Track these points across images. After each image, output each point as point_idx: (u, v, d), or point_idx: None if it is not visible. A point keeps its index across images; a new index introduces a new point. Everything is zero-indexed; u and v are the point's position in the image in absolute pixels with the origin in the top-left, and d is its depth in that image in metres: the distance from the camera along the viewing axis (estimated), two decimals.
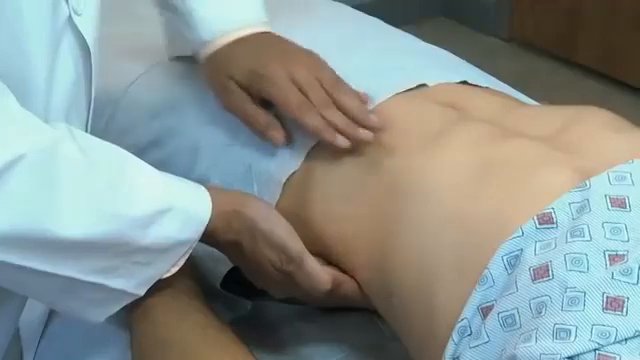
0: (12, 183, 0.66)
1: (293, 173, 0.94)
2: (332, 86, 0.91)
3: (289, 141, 0.94)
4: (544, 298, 0.65)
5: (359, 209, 0.87)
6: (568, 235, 0.69)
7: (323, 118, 0.89)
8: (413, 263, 0.79)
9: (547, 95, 1.64)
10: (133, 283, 0.78)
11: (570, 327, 0.61)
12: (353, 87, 0.94)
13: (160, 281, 0.80)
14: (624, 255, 0.65)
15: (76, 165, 0.71)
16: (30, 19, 0.71)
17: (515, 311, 0.67)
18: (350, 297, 0.89)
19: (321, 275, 0.84)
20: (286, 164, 0.94)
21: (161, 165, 0.95)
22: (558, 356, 0.60)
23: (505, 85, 1.15)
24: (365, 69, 0.98)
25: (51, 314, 0.95)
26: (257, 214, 0.83)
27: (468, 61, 1.16)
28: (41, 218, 0.68)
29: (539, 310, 0.65)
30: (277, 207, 0.93)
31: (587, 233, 0.68)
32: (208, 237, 0.82)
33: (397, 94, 0.96)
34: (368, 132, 0.87)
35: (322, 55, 0.96)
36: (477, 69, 1.13)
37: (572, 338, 0.61)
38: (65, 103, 0.77)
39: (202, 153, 1.02)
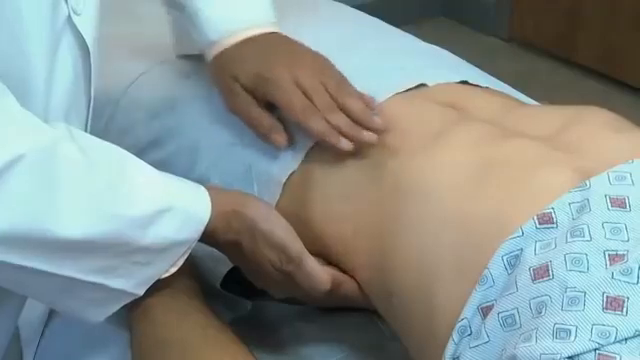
0: (12, 183, 0.66)
1: (293, 173, 0.94)
2: (337, 89, 0.91)
3: (291, 144, 0.94)
4: (544, 298, 0.65)
5: (359, 209, 0.87)
6: (568, 235, 0.69)
7: (327, 122, 0.89)
8: (413, 263, 0.79)
9: (547, 95, 1.64)
10: (133, 283, 0.78)
11: (570, 327, 0.61)
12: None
13: (160, 281, 0.80)
14: (624, 255, 0.65)
15: (76, 165, 0.71)
16: (30, 19, 0.71)
17: (515, 311, 0.67)
18: (350, 297, 0.89)
19: (321, 275, 0.84)
20: (286, 164, 0.94)
21: (161, 165, 0.95)
22: (558, 356, 0.60)
23: (505, 85, 1.15)
24: (365, 69, 0.98)
25: (51, 314, 0.95)
26: (257, 214, 0.83)
27: (468, 61, 1.16)
28: (41, 218, 0.68)
29: (539, 310, 0.65)
30: (277, 207, 0.93)
31: (587, 233, 0.68)
32: (208, 237, 0.82)
33: (397, 94, 0.96)
34: (372, 134, 0.87)
35: None
36: (477, 69, 1.13)
37: (572, 338, 0.61)
38: (64, 103, 0.77)
39: (202, 153, 1.02)
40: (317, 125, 0.89)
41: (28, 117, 0.70)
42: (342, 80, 0.94)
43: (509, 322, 0.67)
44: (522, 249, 0.70)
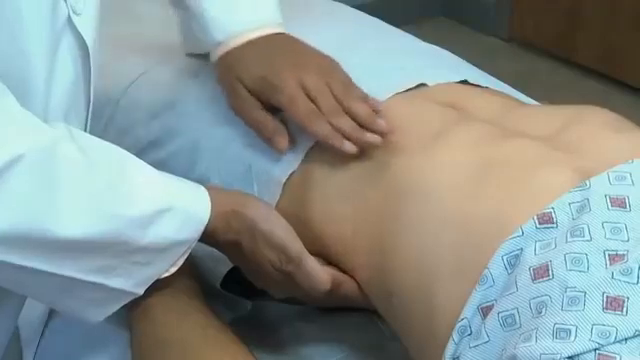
0: (12, 183, 0.66)
1: (292, 173, 0.94)
2: (342, 92, 0.91)
3: (291, 144, 0.94)
4: (544, 298, 0.65)
5: (359, 209, 0.87)
6: (568, 235, 0.69)
7: (332, 125, 0.89)
8: (413, 263, 0.79)
9: (547, 95, 1.64)
10: (132, 282, 0.78)
11: (570, 327, 0.61)
12: None
13: (160, 281, 0.80)
14: (624, 255, 0.65)
15: (75, 165, 0.71)
16: (29, 19, 0.71)
17: (515, 311, 0.67)
18: (350, 297, 0.89)
19: (321, 275, 0.84)
20: (286, 164, 0.94)
21: (161, 165, 0.95)
22: (558, 356, 0.60)
23: (505, 85, 1.15)
24: (365, 69, 0.98)
25: (51, 314, 0.95)
26: (257, 214, 0.83)
27: (468, 61, 1.16)
28: (41, 218, 0.68)
29: (539, 310, 0.65)
30: (277, 207, 0.93)
31: (587, 233, 0.68)
32: (208, 237, 0.82)
33: (397, 94, 0.96)
34: (376, 136, 0.87)
35: None
36: (477, 69, 1.13)
37: (572, 338, 0.61)
38: (64, 103, 0.77)
39: (202, 153, 1.02)
40: (322, 129, 0.89)
41: (28, 117, 0.70)
42: (348, 82, 0.93)
43: (509, 322, 0.67)
44: (522, 249, 0.70)
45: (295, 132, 0.94)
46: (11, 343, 0.89)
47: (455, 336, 0.71)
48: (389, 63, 1.06)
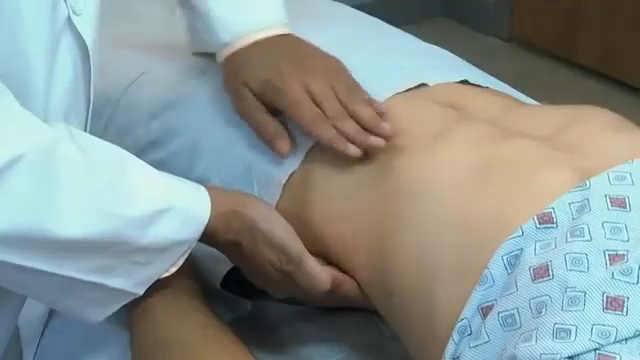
0: (12, 183, 0.66)
1: (293, 173, 0.94)
2: (347, 95, 0.91)
3: (293, 147, 0.94)
4: (544, 298, 0.65)
5: (359, 209, 0.87)
6: (568, 235, 0.69)
7: (336, 129, 0.89)
8: (413, 263, 0.79)
9: (547, 95, 1.64)
10: (132, 282, 0.78)
11: (570, 327, 0.61)
12: None
13: (160, 281, 0.80)
14: (624, 255, 0.65)
15: (75, 165, 0.71)
16: (29, 19, 0.71)
17: (515, 311, 0.67)
18: (350, 297, 0.89)
19: (321, 275, 0.84)
20: (286, 164, 0.94)
21: (161, 165, 0.95)
22: (558, 356, 0.60)
23: (505, 85, 1.15)
24: (365, 69, 0.98)
25: (51, 313, 0.95)
26: (257, 214, 0.83)
27: (468, 61, 1.16)
28: (41, 218, 0.68)
29: (539, 310, 0.65)
30: (277, 207, 0.93)
31: (587, 233, 0.68)
32: (208, 237, 0.82)
33: (397, 94, 0.96)
34: (380, 139, 0.87)
35: None
36: (477, 69, 1.13)
37: (572, 338, 0.61)
38: (64, 103, 0.77)
39: (202, 153, 1.02)
40: (326, 133, 0.89)
41: (28, 117, 0.70)
42: (353, 85, 0.93)
43: (509, 322, 0.67)
44: (522, 249, 0.70)
45: (295, 132, 0.94)
46: (11, 343, 0.89)
47: (455, 336, 0.71)
48: (389, 63, 1.06)
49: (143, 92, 1.10)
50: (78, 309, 0.78)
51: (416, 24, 2.54)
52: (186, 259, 0.81)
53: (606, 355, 0.59)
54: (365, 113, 0.89)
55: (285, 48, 0.96)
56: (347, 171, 0.90)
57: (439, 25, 3.01)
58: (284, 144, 0.93)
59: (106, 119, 1.10)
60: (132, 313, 0.83)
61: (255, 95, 0.94)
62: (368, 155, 0.88)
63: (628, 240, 0.67)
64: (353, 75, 0.95)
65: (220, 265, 0.91)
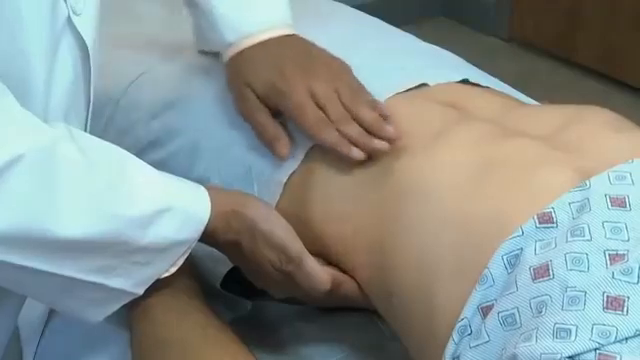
0: (12, 183, 0.66)
1: (293, 173, 0.94)
2: (350, 98, 0.91)
3: (293, 147, 0.94)
4: (544, 297, 0.65)
5: (359, 209, 0.87)
6: (568, 234, 0.69)
7: (340, 132, 0.89)
8: (413, 263, 0.79)
9: (547, 95, 1.64)
10: (132, 282, 0.78)
11: (570, 326, 0.61)
12: None
13: (160, 280, 0.80)
14: (624, 254, 0.65)
15: (75, 165, 0.71)
16: (29, 19, 0.71)
17: (515, 310, 0.67)
18: (350, 297, 0.89)
19: (321, 275, 0.84)
20: (286, 164, 0.94)
21: (161, 165, 0.95)
22: (559, 355, 0.60)
23: (505, 85, 1.15)
24: (366, 69, 0.98)
25: (51, 313, 0.95)
26: (257, 214, 0.83)
27: (468, 61, 1.16)
28: (41, 218, 0.68)
29: (539, 309, 0.65)
30: (277, 207, 0.93)
31: (587, 232, 0.68)
32: (208, 237, 0.82)
33: (398, 94, 0.96)
34: (383, 142, 0.87)
35: None
36: (477, 69, 1.13)
37: (572, 337, 0.61)
38: (64, 104, 0.77)
39: (202, 153, 1.02)
40: (330, 137, 0.89)
41: (28, 117, 0.70)
42: (357, 87, 0.93)
43: (509, 322, 0.67)
44: (522, 248, 0.70)
45: (295, 132, 0.94)
46: (11, 343, 0.89)
47: (455, 336, 0.71)
48: (390, 63, 1.06)
49: (143, 92, 1.10)
50: (78, 309, 0.78)
51: (416, 24, 2.53)
52: (186, 259, 0.81)
53: (606, 355, 0.59)
54: (368, 116, 0.89)
55: (289, 49, 0.96)
56: (347, 171, 0.90)
57: (439, 25, 3.01)
58: (283, 147, 0.93)
59: (106, 119, 1.10)
60: (132, 313, 0.83)
61: (258, 97, 0.94)
62: (370, 156, 0.88)
63: (628, 240, 0.67)
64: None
65: (220, 265, 0.91)
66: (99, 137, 0.78)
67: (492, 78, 1.13)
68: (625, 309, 0.61)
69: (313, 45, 0.97)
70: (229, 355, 0.79)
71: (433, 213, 0.79)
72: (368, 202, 0.86)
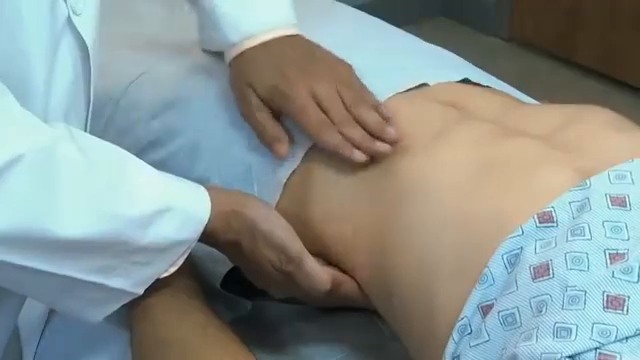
0: (12, 183, 0.66)
1: (293, 173, 0.94)
2: (352, 100, 0.91)
3: (293, 147, 0.94)
4: (544, 297, 0.65)
5: (359, 209, 0.87)
6: (568, 234, 0.68)
7: (342, 135, 0.88)
8: (413, 262, 0.79)
9: (547, 95, 1.64)
10: (132, 282, 0.78)
11: (571, 326, 0.61)
12: None
13: (160, 280, 0.80)
14: (624, 254, 0.65)
15: (75, 165, 0.71)
16: (29, 19, 0.71)
17: (515, 310, 0.67)
18: (350, 297, 0.89)
19: (320, 275, 0.84)
20: (286, 164, 0.94)
21: (161, 165, 0.95)
22: (559, 355, 0.60)
23: (505, 84, 1.15)
24: (366, 69, 0.98)
25: (51, 313, 0.95)
26: (257, 214, 0.83)
27: (468, 61, 1.16)
28: (41, 218, 0.68)
29: (539, 309, 0.65)
30: (277, 207, 0.93)
31: (587, 232, 0.68)
32: (208, 237, 0.82)
33: (398, 94, 0.96)
34: (385, 145, 0.87)
35: None
36: (478, 69, 1.13)
37: (573, 337, 0.60)
38: (64, 104, 0.77)
39: (202, 153, 1.02)
40: (332, 139, 0.89)
41: (28, 117, 0.70)
42: (359, 89, 0.93)
43: (509, 321, 0.67)
44: (522, 248, 0.70)
45: (295, 132, 0.94)
46: (11, 343, 0.89)
47: (455, 335, 0.71)
48: (390, 63, 1.06)
49: (143, 92, 1.10)
50: (78, 309, 0.78)
51: (416, 24, 2.53)
52: (186, 259, 0.81)
53: (607, 354, 0.59)
54: (370, 118, 0.89)
55: (291, 50, 0.96)
56: (347, 171, 0.90)
57: (439, 25, 3.00)
58: (282, 148, 0.93)
59: (106, 119, 1.10)
60: (132, 313, 0.83)
61: (261, 99, 0.93)
62: (371, 158, 0.88)
63: (628, 239, 0.67)
64: None
65: (220, 265, 0.91)
66: (99, 137, 0.78)
67: (492, 78, 1.13)
68: (625, 308, 0.61)
69: (315, 46, 0.97)
70: (229, 355, 0.79)
71: (433, 213, 0.79)
72: (368, 202, 0.86)
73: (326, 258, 0.89)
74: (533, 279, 0.67)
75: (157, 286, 0.81)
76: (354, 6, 1.34)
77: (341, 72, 0.94)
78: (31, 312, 0.92)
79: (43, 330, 0.94)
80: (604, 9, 2.60)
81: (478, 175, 0.79)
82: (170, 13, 1.25)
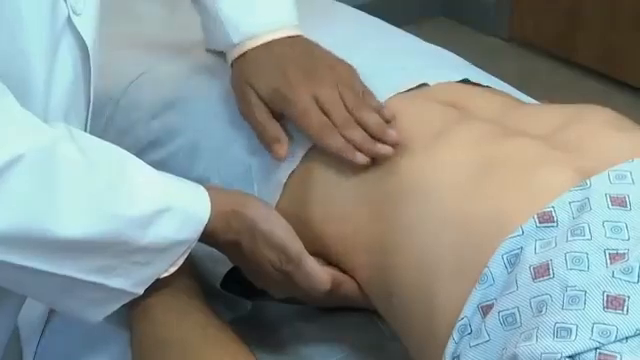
0: (12, 183, 0.66)
1: (293, 173, 0.94)
2: (353, 102, 0.91)
3: (292, 147, 0.94)
4: (544, 297, 0.65)
5: (359, 209, 0.87)
6: (568, 234, 0.68)
7: (344, 137, 0.88)
8: (413, 262, 0.79)
9: (547, 95, 1.64)
10: (132, 282, 0.78)
11: (571, 326, 0.61)
12: None
13: (160, 280, 0.80)
14: (624, 254, 0.65)
15: (75, 165, 0.71)
16: (29, 19, 0.71)
17: (516, 310, 0.67)
18: (350, 297, 0.89)
19: (320, 275, 0.84)
20: (286, 164, 0.94)
21: (161, 165, 0.95)
22: (559, 355, 0.60)
23: (505, 84, 1.15)
24: (366, 69, 0.98)
25: (51, 313, 0.95)
26: (257, 214, 0.83)
27: (468, 61, 1.16)
28: (41, 218, 0.68)
29: (540, 309, 0.65)
30: (277, 207, 0.93)
31: (587, 232, 0.68)
32: (208, 237, 0.82)
33: (398, 94, 0.96)
34: (387, 147, 0.87)
35: None
36: (478, 69, 1.13)
37: (573, 337, 0.61)
38: (64, 104, 0.77)
39: (202, 153, 1.02)
40: (335, 142, 0.88)
41: (28, 117, 0.70)
42: (361, 90, 0.93)
43: (509, 321, 0.67)
44: (522, 248, 0.70)
45: (295, 132, 0.94)
46: (11, 343, 0.89)
47: (455, 335, 0.71)
48: (390, 63, 1.06)
49: (143, 92, 1.10)
50: (78, 309, 0.78)
51: (416, 24, 2.53)
52: (186, 259, 0.81)
53: (607, 354, 0.59)
54: (371, 120, 0.89)
55: (293, 51, 0.96)
56: (347, 171, 0.90)
57: (439, 25, 3.00)
58: (282, 148, 0.92)
59: (106, 119, 1.10)
60: (132, 313, 0.83)
61: (262, 100, 0.93)
62: (373, 160, 0.88)
63: (628, 239, 0.67)
64: None
65: (220, 265, 0.91)
66: (99, 137, 0.78)
67: (492, 78, 1.13)
68: (625, 308, 0.61)
69: (317, 46, 0.97)
70: (229, 355, 0.79)
71: (433, 213, 0.79)
72: (368, 202, 0.86)
73: (326, 258, 0.89)
74: (533, 279, 0.67)
75: (157, 286, 0.81)
76: (354, 6, 1.34)
77: (342, 73, 0.94)
78: (31, 312, 0.92)
79: (43, 330, 0.94)
80: (604, 9, 2.60)
81: (478, 175, 0.79)
82: (170, 13, 1.25)
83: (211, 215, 0.80)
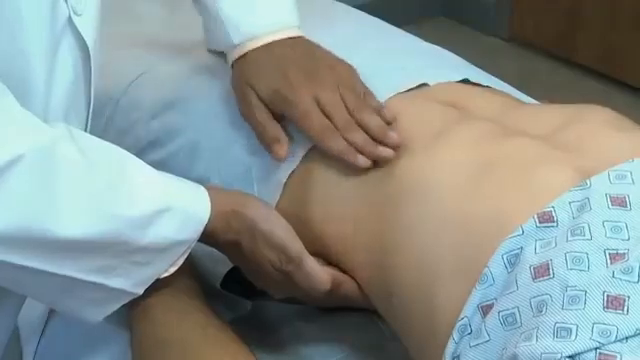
0: (12, 183, 0.66)
1: (292, 172, 0.94)
2: (355, 104, 0.91)
3: (292, 147, 0.94)
4: (545, 297, 0.65)
5: (359, 209, 0.87)
6: (569, 234, 0.68)
7: (346, 140, 0.88)
8: (413, 262, 0.79)
9: (547, 95, 1.64)
10: (132, 282, 0.78)
11: (571, 326, 0.61)
12: None
13: (160, 280, 0.80)
14: (625, 254, 0.65)
15: (75, 165, 0.71)
16: (29, 19, 0.71)
17: (516, 310, 0.67)
18: (350, 297, 0.89)
19: (320, 275, 0.84)
20: (286, 164, 0.94)
21: (161, 165, 0.95)
22: (559, 355, 0.60)
23: (505, 84, 1.15)
24: (366, 69, 0.98)
25: (51, 313, 0.95)
26: (257, 214, 0.83)
27: (468, 61, 1.16)
28: (41, 218, 0.68)
29: (540, 309, 0.65)
30: (277, 207, 0.93)
31: (587, 232, 0.68)
32: (208, 237, 0.82)
33: (398, 94, 0.96)
34: (388, 150, 0.87)
35: None
36: (478, 69, 1.13)
37: (573, 337, 0.61)
38: (64, 104, 0.77)
39: (202, 153, 1.02)
40: (336, 145, 0.88)
41: (28, 117, 0.70)
42: (362, 91, 0.93)
43: (510, 321, 0.67)
44: (522, 248, 0.70)
45: (295, 132, 0.94)
46: (11, 343, 0.89)
47: (455, 335, 0.71)
48: (390, 63, 1.05)
49: (143, 92, 1.10)
50: (78, 309, 0.78)
51: (416, 24, 2.53)
52: (186, 259, 0.81)
53: (607, 354, 0.59)
54: (372, 122, 0.89)
55: (294, 52, 0.95)
56: (347, 171, 0.89)
57: (439, 25, 3.00)
58: (281, 149, 0.92)
59: (106, 119, 1.10)
60: (132, 313, 0.83)
61: (263, 101, 0.93)
62: (374, 162, 0.88)
63: (628, 239, 0.67)
64: None
65: (220, 265, 0.91)
66: (99, 137, 0.78)
67: (492, 78, 1.13)
68: (625, 308, 0.61)
69: (318, 47, 0.97)
70: (229, 355, 0.79)
71: (433, 213, 0.79)
72: (368, 202, 0.86)
73: (326, 258, 0.89)
74: (533, 279, 0.67)
75: (157, 286, 0.81)
76: (354, 6, 1.34)
77: (343, 74, 0.94)
78: (31, 312, 0.92)
79: (43, 330, 0.94)
80: (604, 9, 2.60)
81: (478, 175, 0.79)
82: (170, 13, 1.25)
83: (211, 215, 0.80)
